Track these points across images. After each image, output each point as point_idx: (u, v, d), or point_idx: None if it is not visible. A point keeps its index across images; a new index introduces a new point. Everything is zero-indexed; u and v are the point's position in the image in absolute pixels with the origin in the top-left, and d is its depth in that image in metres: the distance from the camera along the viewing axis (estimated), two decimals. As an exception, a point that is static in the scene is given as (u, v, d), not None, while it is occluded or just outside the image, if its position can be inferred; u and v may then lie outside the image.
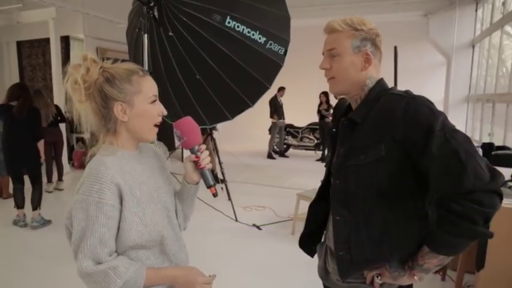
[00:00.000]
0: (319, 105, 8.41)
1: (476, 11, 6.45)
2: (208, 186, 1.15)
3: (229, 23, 3.04)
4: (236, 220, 4.25)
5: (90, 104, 1.06)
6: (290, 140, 9.28)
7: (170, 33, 2.91)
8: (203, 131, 4.77)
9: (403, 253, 1.08)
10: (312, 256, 1.38)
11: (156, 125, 1.10)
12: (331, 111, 8.11)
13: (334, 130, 1.26)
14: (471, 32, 6.52)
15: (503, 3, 4.96)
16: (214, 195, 1.15)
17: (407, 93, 1.08)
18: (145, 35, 2.87)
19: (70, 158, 7.17)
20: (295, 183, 6.05)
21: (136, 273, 1.01)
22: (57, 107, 5.56)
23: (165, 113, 1.11)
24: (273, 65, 3.38)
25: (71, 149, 7.40)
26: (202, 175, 1.16)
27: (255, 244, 3.67)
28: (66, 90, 1.05)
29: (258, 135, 9.73)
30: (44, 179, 5.41)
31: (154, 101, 1.09)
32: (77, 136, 7.69)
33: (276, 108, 8.48)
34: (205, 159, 1.14)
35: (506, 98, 4.66)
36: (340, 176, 1.15)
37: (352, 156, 1.10)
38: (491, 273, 2.07)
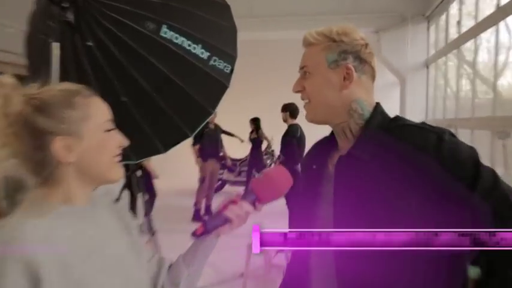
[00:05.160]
0: (251, 132, 8.65)
1: (428, 29, 7.11)
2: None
3: (165, 33, 2.92)
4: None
5: (13, 148, 0.90)
6: (226, 174, 9.19)
7: (89, 43, 2.71)
8: (126, 168, 4.48)
9: None
10: None
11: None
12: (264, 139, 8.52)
13: (314, 167, 1.21)
14: (424, 51, 7.15)
15: (458, 22, 5.51)
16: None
17: (430, 126, 1.06)
18: (55, 44, 2.64)
19: None
20: (236, 229, 5.92)
21: None
22: None
23: (126, 143, 1.02)
24: (217, 86, 3.28)
25: None
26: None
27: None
28: None
29: (185, 169, 9.47)
30: None
31: (110, 129, 0.99)
32: None
33: None
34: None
35: (469, 124, 5.07)
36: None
37: (369, 207, 1.01)
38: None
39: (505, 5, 3.92)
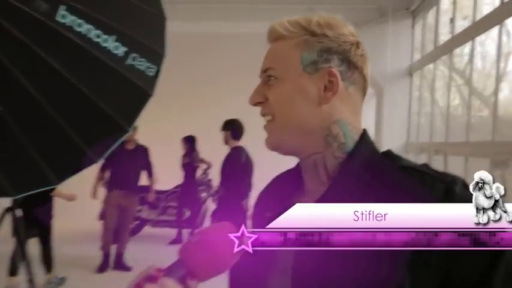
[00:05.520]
0: (183, 156, 8.69)
1: (413, 27, 7.33)
2: None
3: (63, 17, 2.81)
4: None
5: None
6: (145, 212, 8.96)
7: None
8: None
9: None
10: None
11: None
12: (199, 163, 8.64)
13: (268, 215, 1.09)
14: (408, 55, 7.36)
15: (452, 20, 5.70)
16: None
17: (435, 171, 1.00)
18: None
19: None
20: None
21: None
22: None
23: None
24: (136, 94, 3.20)
25: None
26: None
27: None
28: None
29: (88, 206, 9.17)
30: None
31: None
32: None
33: None
34: None
35: (463, 149, 5.20)
36: None
37: (341, 279, 0.95)
38: None
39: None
